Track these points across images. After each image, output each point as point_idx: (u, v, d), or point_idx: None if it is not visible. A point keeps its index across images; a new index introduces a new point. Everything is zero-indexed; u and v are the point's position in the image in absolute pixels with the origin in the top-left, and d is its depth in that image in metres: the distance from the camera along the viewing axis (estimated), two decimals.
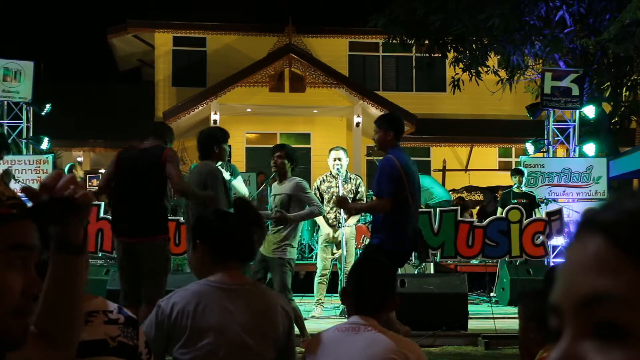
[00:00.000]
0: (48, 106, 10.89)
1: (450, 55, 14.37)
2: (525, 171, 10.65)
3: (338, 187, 7.78)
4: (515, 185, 10.63)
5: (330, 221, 8.10)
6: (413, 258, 9.09)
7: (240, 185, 7.23)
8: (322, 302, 8.38)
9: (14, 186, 9.21)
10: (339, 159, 7.74)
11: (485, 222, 9.07)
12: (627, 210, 0.66)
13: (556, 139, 11.16)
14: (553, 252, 9.66)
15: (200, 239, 2.68)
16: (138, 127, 6.10)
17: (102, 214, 9.07)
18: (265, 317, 2.62)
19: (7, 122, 10.68)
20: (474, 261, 10.15)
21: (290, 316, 2.72)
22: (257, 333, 2.59)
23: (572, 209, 9.98)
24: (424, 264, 9.61)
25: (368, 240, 7.42)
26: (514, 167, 12.83)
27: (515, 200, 10.09)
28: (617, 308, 0.63)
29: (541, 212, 9.96)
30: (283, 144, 6.80)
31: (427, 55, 14.55)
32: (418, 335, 6.95)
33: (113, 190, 5.70)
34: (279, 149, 6.53)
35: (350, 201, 8.00)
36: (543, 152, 11.24)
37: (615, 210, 0.67)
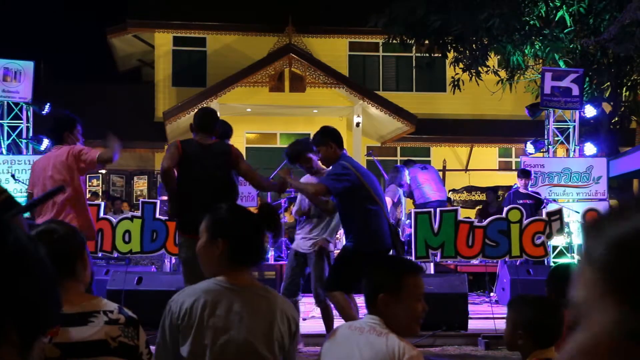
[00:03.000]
0: (48, 106, 10.89)
1: (450, 55, 14.38)
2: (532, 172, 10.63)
3: None
4: (516, 186, 10.63)
5: None
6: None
7: None
8: None
9: (14, 185, 9.22)
10: None
11: (485, 222, 9.06)
12: (613, 243, 0.78)
13: (556, 139, 11.16)
14: (553, 252, 9.66)
15: (223, 237, 2.63)
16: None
17: (102, 214, 9.07)
18: (271, 320, 2.61)
19: (7, 122, 10.68)
20: (474, 261, 10.15)
21: (296, 322, 2.71)
22: (263, 336, 2.59)
23: (572, 209, 9.98)
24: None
25: None
26: (514, 167, 12.84)
27: (521, 201, 10.07)
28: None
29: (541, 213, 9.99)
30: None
31: (427, 55, 14.57)
32: (418, 335, 6.96)
33: (179, 186, 5.45)
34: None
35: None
36: (543, 152, 11.24)
37: (604, 243, 0.78)
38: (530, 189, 10.43)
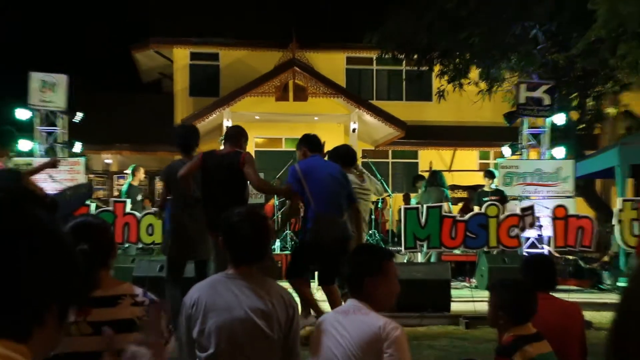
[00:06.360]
0: (80, 114, 10.94)
1: (436, 68, 14.40)
2: (496, 173, 10.74)
3: None
4: (493, 185, 10.67)
5: None
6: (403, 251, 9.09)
7: None
8: None
9: (52, 185, 9.26)
10: None
11: (466, 217, 9.10)
12: None
13: (529, 143, 11.18)
14: (526, 243, 9.69)
15: (227, 243, 2.77)
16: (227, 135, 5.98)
17: (127, 210, 9.11)
18: (268, 302, 2.67)
19: (44, 129, 10.73)
20: (457, 251, 10.19)
21: (293, 305, 2.75)
22: (262, 314, 2.64)
23: (543, 205, 10.02)
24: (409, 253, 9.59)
25: None
26: (492, 168, 12.81)
27: (487, 198, 10.13)
28: None
29: (507, 207, 10.06)
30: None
31: (416, 68, 14.58)
32: (407, 317, 7.00)
33: (202, 191, 5.64)
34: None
35: None
36: (518, 154, 11.27)
37: None
38: (494, 186, 10.61)
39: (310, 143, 6.08)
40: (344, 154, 6.52)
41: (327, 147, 8.46)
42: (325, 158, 6.43)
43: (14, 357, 0.82)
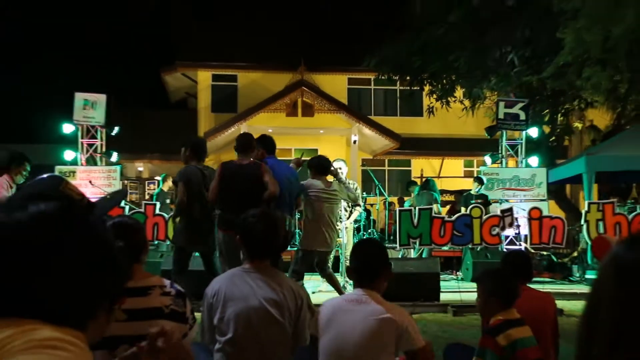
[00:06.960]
0: (117, 128, 10.97)
1: (426, 88, 14.38)
2: (485, 179, 10.68)
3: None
4: (478, 189, 10.64)
5: None
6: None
7: None
8: None
9: (92, 190, 9.26)
10: (340, 168, 7.74)
11: (453, 218, 9.07)
12: None
13: (508, 153, 11.15)
14: (505, 241, 9.65)
15: (242, 239, 2.76)
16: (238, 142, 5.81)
17: (157, 211, 9.11)
18: (280, 292, 2.66)
19: (86, 141, 10.77)
20: (445, 247, 10.15)
21: (301, 295, 2.72)
22: (275, 303, 2.63)
23: (520, 207, 9.98)
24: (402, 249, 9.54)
25: None
26: (475, 175, 12.79)
27: (473, 201, 10.10)
28: None
29: (490, 209, 10.02)
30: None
31: (408, 88, 14.57)
32: (401, 306, 6.95)
33: (221, 196, 5.54)
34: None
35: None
36: (498, 163, 11.24)
37: None
38: (479, 191, 10.56)
39: (268, 145, 6.00)
40: (317, 163, 6.52)
41: (332, 158, 8.46)
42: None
43: (76, 343, 0.88)
